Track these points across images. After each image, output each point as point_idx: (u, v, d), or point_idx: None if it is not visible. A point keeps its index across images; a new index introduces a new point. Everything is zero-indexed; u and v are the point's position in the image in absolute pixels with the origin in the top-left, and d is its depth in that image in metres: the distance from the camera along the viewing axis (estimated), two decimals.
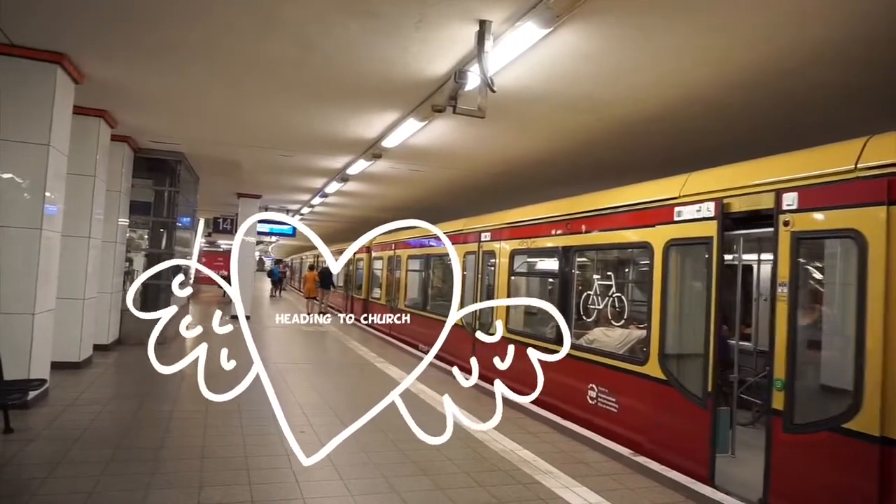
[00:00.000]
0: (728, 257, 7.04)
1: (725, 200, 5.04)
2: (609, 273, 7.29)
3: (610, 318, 6.99)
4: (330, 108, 7.76)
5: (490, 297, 9.63)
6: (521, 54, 5.26)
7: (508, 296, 9.07)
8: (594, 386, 6.57)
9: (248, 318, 16.19)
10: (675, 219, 5.58)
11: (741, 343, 5.84)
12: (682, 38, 5.04)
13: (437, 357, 11.96)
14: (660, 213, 5.80)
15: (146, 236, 12.19)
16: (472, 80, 5.47)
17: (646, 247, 5.97)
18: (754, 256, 7.93)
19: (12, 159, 6.16)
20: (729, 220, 5.05)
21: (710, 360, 5.02)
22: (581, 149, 9.10)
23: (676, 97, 6.48)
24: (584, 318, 7.46)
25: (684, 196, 5.53)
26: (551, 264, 8.45)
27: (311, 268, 24.15)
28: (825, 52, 5.16)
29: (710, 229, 5.17)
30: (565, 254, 7.54)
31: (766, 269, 8.17)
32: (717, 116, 7.08)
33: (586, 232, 7.10)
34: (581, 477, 4.98)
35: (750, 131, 7.57)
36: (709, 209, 5.18)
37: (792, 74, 5.70)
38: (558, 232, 7.69)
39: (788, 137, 6.45)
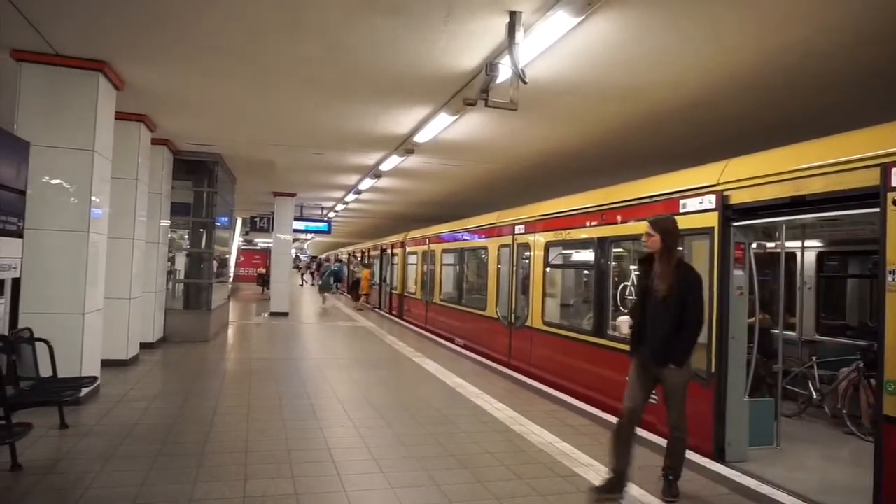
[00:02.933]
0: (770, 245, 6.89)
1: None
2: None
3: None
4: (360, 105, 7.81)
5: (525, 289, 9.60)
6: (552, 44, 5.19)
7: (544, 289, 9.02)
8: None
9: (286, 314, 16.49)
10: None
11: (785, 332, 5.69)
12: (719, 20, 4.89)
13: (472, 350, 11.93)
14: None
15: (187, 236, 12.49)
16: (504, 73, 5.43)
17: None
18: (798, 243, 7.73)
19: (60, 165, 6.37)
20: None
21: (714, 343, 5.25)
22: (616, 138, 8.96)
23: (714, 81, 6.31)
24: (622, 308, 7.38)
25: (724, 182, 5.39)
26: (587, 255, 8.38)
27: (367, 265, 24.19)
28: (871, 30, 4.95)
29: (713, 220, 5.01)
30: (601, 245, 7.45)
31: (809, 257, 8.00)
32: (756, 99, 6.88)
33: (623, 222, 7.00)
34: None
35: (791, 114, 7.34)
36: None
37: (836, 54, 5.49)
38: (594, 223, 7.60)
39: (833, 119, 6.22)
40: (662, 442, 5.55)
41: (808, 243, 7.89)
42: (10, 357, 5.21)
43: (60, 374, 5.80)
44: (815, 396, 6.81)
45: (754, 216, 5.23)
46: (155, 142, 9.65)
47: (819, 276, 8.12)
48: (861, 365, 6.34)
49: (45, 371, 5.76)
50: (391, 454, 5.18)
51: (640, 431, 5.85)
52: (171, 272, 11.73)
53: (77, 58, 6.30)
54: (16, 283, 5.98)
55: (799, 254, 7.84)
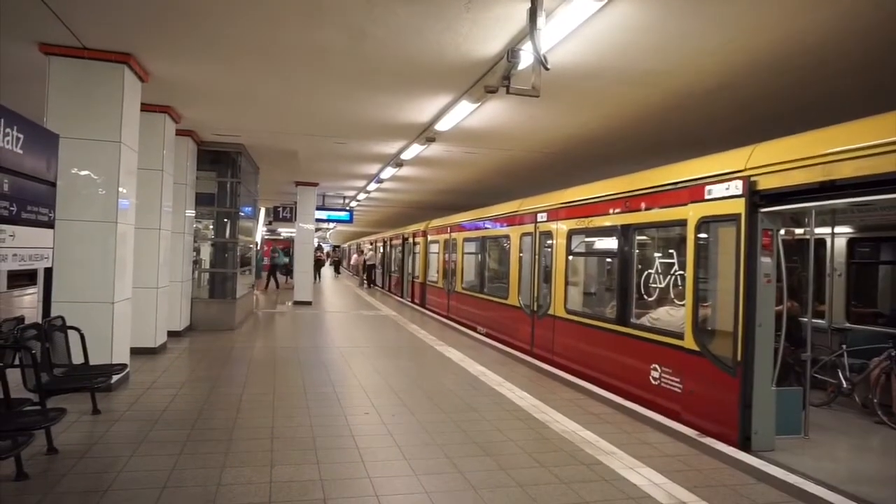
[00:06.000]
0: (799, 231, 6.76)
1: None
2: (671, 251, 7.09)
3: (673, 297, 6.81)
4: (382, 94, 7.80)
5: (548, 278, 9.56)
6: (574, 29, 5.12)
7: (567, 277, 8.97)
8: (657, 366, 6.46)
9: (309, 303, 16.62)
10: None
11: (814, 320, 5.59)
12: (744, 1, 4.78)
13: (494, 338, 11.93)
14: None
15: (211, 226, 12.65)
16: (525, 59, 5.37)
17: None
18: (827, 230, 7.57)
19: (88, 157, 6.49)
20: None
21: (740, 331, 5.23)
22: (640, 123, 8.84)
23: (740, 64, 6.17)
24: (646, 297, 7.31)
25: (751, 168, 5.29)
26: (610, 243, 8.30)
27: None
28: None
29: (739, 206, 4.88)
30: (624, 232, 7.38)
31: (839, 244, 7.83)
32: (781, 82, 6.71)
33: (647, 209, 6.92)
34: (645, 458, 4.90)
35: (819, 97, 7.15)
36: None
37: (865, 35, 5.32)
38: (617, 210, 7.52)
39: (862, 102, 6.06)
40: (685, 430, 5.52)
41: (838, 229, 7.72)
42: (43, 344, 5.35)
43: (92, 362, 5.96)
44: (844, 385, 6.69)
45: (782, 202, 5.12)
46: (179, 133, 9.77)
47: (850, 263, 7.95)
48: (893, 353, 6.22)
49: (77, 358, 5.92)
50: (414, 441, 5.22)
51: (662, 419, 5.84)
52: (196, 262, 11.91)
53: (103, 51, 6.38)
54: (48, 272, 6.13)
55: (829, 240, 7.68)
